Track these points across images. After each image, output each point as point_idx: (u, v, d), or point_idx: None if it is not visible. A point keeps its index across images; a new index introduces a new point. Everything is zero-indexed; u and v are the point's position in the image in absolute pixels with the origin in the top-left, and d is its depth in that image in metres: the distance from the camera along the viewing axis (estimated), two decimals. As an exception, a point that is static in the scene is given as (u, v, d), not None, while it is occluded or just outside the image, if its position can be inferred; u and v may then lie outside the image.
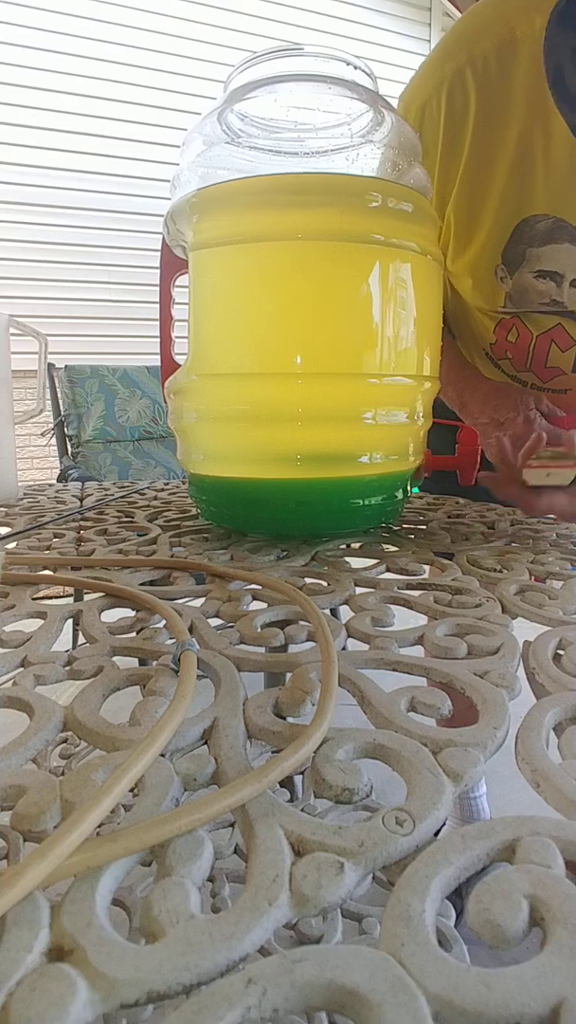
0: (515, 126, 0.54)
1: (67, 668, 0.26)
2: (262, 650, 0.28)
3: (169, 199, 0.47)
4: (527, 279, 0.62)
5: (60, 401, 1.85)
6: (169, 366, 0.52)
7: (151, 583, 0.38)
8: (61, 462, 1.84)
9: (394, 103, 0.49)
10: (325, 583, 0.37)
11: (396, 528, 0.55)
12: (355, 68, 0.46)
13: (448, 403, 0.74)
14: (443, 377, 0.70)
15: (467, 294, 0.69)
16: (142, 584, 0.37)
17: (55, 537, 0.51)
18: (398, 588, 0.37)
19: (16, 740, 0.21)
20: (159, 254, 0.52)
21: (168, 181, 0.48)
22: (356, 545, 0.49)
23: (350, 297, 0.42)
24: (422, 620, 0.33)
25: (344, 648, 0.28)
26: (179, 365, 0.49)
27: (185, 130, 0.48)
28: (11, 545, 0.49)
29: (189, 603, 0.34)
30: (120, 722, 0.22)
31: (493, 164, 0.57)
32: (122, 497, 0.73)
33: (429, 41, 2.91)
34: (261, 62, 0.45)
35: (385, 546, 0.48)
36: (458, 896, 0.18)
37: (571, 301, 0.61)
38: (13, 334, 0.70)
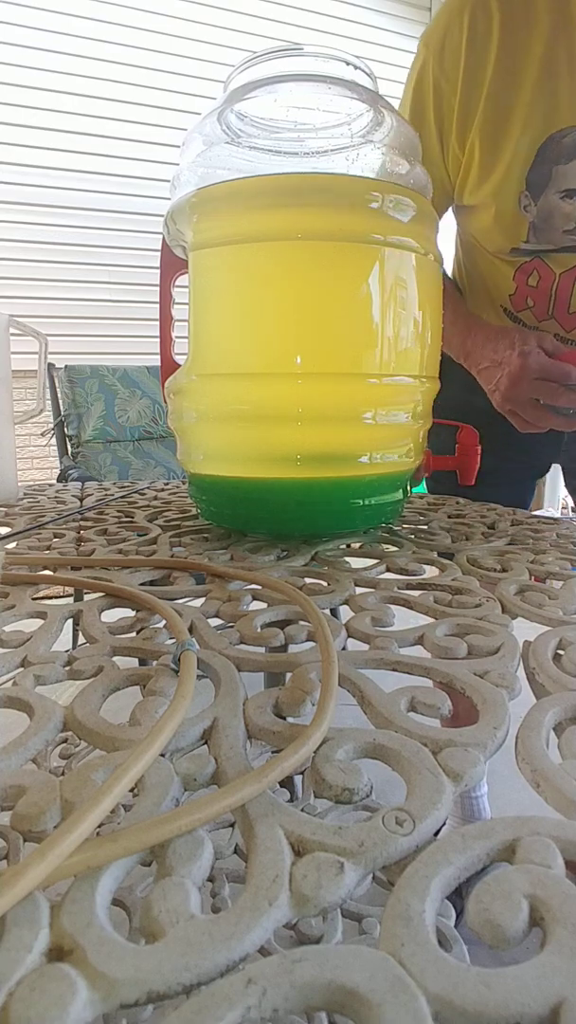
0: (539, 42, 0.54)
1: (67, 668, 0.26)
2: (262, 650, 0.28)
3: (169, 199, 0.47)
4: (552, 201, 0.61)
5: (60, 401, 1.85)
6: (169, 366, 0.52)
7: (151, 583, 0.38)
8: (61, 462, 1.85)
9: (394, 103, 0.49)
10: (325, 583, 0.37)
11: (396, 528, 0.55)
12: (355, 68, 0.46)
13: (453, 354, 0.73)
14: (447, 328, 0.69)
15: (486, 234, 0.68)
16: (142, 584, 0.37)
17: (55, 537, 0.51)
18: (398, 588, 0.37)
19: (16, 740, 0.20)
20: (159, 254, 0.52)
21: (168, 181, 0.48)
22: (356, 545, 0.49)
23: (350, 297, 0.42)
24: (422, 620, 0.33)
25: (344, 648, 0.28)
26: (179, 365, 0.49)
27: (185, 130, 0.48)
28: (11, 545, 0.49)
29: (189, 603, 0.34)
30: (120, 722, 0.22)
31: (518, 82, 0.57)
32: (122, 497, 0.73)
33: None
34: (261, 62, 0.45)
35: (385, 546, 0.48)
36: (458, 896, 0.18)
37: None
38: (13, 334, 0.70)
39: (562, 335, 0.72)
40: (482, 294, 0.76)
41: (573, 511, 3.35)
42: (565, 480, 0.95)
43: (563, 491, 3.29)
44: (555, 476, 1.00)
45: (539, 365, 0.58)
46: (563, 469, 0.94)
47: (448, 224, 0.80)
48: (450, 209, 0.76)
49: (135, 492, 0.77)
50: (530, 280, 0.69)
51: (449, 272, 0.84)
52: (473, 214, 0.68)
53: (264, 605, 0.34)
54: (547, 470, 0.95)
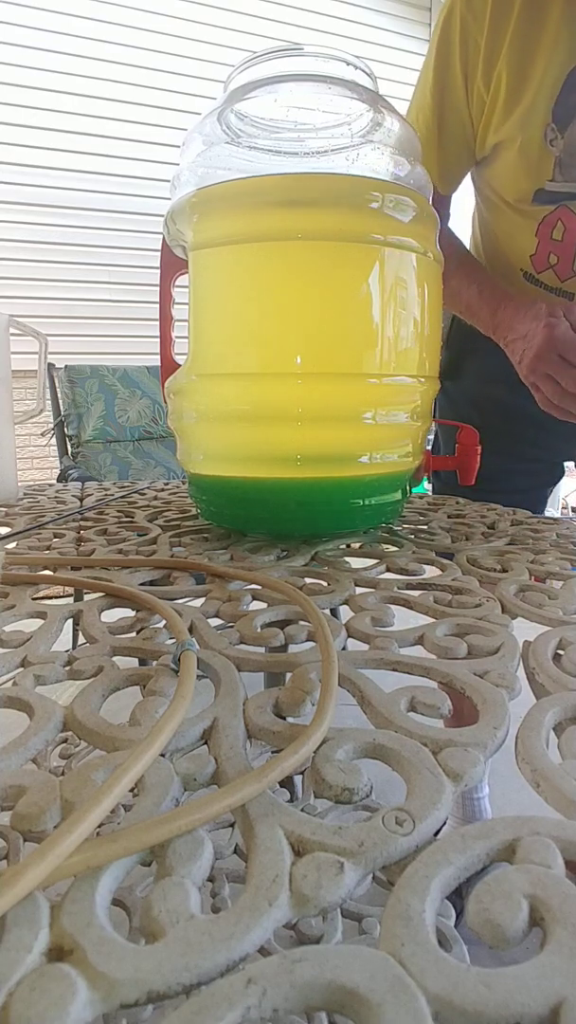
0: None
1: (67, 668, 0.26)
2: (262, 650, 0.28)
3: (169, 199, 0.47)
4: None
5: (60, 401, 1.85)
6: (169, 366, 0.52)
7: (151, 583, 0.38)
8: (61, 462, 1.84)
9: (394, 103, 0.49)
10: (325, 583, 0.37)
11: (396, 528, 0.55)
12: (355, 68, 0.46)
13: (482, 327, 0.72)
14: (474, 302, 0.67)
15: (510, 178, 0.67)
16: (142, 584, 0.37)
17: (55, 537, 0.51)
18: (398, 588, 0.37)
19: (16, 740, 0.21)
20: (159, 254, 0.52)
21: (168, 181, 0.48)
22: (356, 545, 0.49)
23: (350, 297, 0.42)
24: (422, 620, 0.33)
25: (344, 648, 0.28)
26: (179, 365, 0.49)
27: (185, 130, 0.48)
28: (11, 545, 0.49)
29: (189, 603, 0.34)
30: (120, 722, 0.22)
31: (544, 14, 0.58)
32: (122, 497, 0.73)
33: (429, 41, 2.91)
34: (261, 62, 0.45)
35: (385, 546, 0.48)
36: (458, 896, 0.18)
37: None
38: (13, 334, 0.70)
39: (567, 290, 0.71)
40: (501, 261, 0.75)
41: (573, 511, 3.35)
42: None
43: (563, 491, 3.29)
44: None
45: (564, 339, 0.57)
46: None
47: (461, 200, 0.79)
48: (468, 177, 0.76)
49: (135, 492, 0.77)
50: (554, 234, 0.68)
51: (468, 246, 0.84)
52: (497, 158, 0.68)
53: (264, 605, 0.34)
54: (560, 477, 0.94)
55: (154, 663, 0.26)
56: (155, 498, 0.72)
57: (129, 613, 0.32)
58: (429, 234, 0.46)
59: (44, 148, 2.38)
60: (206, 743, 0.21)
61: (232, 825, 0.76)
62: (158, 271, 0.53)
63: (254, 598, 0.35)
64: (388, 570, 0.42)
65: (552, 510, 2.92)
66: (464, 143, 0.70)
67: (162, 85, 2.51)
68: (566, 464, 0.93)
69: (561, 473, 0.94)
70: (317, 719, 0.20)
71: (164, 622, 0.31)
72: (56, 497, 0.74)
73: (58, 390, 1.85)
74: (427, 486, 0.95)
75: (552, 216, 0.67)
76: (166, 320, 0.54)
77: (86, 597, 0.40)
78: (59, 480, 1.64)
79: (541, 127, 0.62)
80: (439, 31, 0.68)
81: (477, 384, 0.85)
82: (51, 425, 1.85)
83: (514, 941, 0.13)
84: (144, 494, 0.76)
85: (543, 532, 0.53)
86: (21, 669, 0.26)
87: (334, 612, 0.36)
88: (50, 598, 0.34)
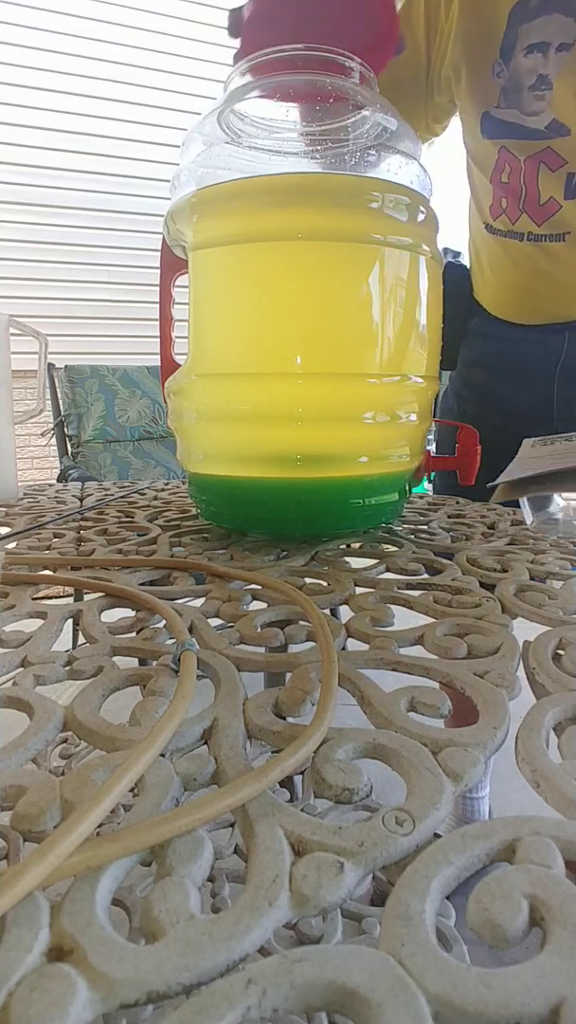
0: None
1: (67, 668, 0.26)
2: (262, 650, 0.28)
3: (169, 199, 0.47)
4: (519, 61, 0.67)
5: (60, 401, 1.85)
6: (169, 366, 0.52)
7: (151, 583, 0.38)
8: (61, 462, 1.85)
9: (394, 103, 0.49)
10: (325, 583, 0.37)
11: (396, 528, 0.55)
12: (355, 68, 0.45)
13: None
14: None
15: (464, 107, 0.74)
16: (142, 584, 0.37)
17: (55, 537, 0.51)
18: (398, 588, 0.37)
19: (16, 740, 0.20)
20: (159, 254, 0.52)
21: (168, 181, 0.48)
22: (356, 545, 0.49)
23: (350, 297, 0.42)
24: (422, 620, 0.32)
25: (344, 648, 0.28)
26: (179, 365, 0.49)
27: (185, 130, 0.48)
28: (11, 545, 0.49)
29: (189, 603, 0.34)
30: (120, 722, 0.22)
31: None
32: (122, 497, 0.73)
33: None
34: (261, 62, 0.45)
35: (385, 546, 0.48)
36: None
37: (555, 68, 0.66)
38: (13, 334, 0.70)
39: (535, 232, 0.75)
40: (476, 224, 0.81)
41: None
42: None
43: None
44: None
45: None
46: None
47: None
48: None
49: (135, 492, 0.77)
50: (503, 177, 0.74)
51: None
52: (459, 89, 0.74)
53: (264, 605, 0.34)
54: None
55: (154, 663, 0.26)
56: (155, 498, 0.72)
57: (129, 613, 0.32)
58: (429, 234, 0.46)
59: (44, 148, 2.38)
60: (206, 743, 0.21)
61: (232, 825, 0.76)
62: (158, 271, 0.53)
63: (254, 598, 0.35)
64: (388, 570, 0.42)
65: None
66: (417, 67, 0.75)
67: (162, 85, 2.51)
68: None
69: None
70: (317, 719, 0.20)
71: (164, 622, 0.31)
72: (56, 497, 0.74)
73: (58, 390, 1.85)
74: (427, 486, 0.95)
75: (500, 161, 0.73)
76: (166, 320, 0.54)
77: (86, 597, 0.40)
78: (59, 480, 1.64)
79: (490, 62, 0.68)
80: None
81: (462, 368, 0.87)
82: (51, 425, 1.85)
83: (514, 941, 0.13)
84: (144, 494, 0.76)
85: (543, 532, 0.53)
86: (21, 669, 0.26)
87: (334, 612, 0.36)
88: (50, 598, 0.34)
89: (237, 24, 0.50)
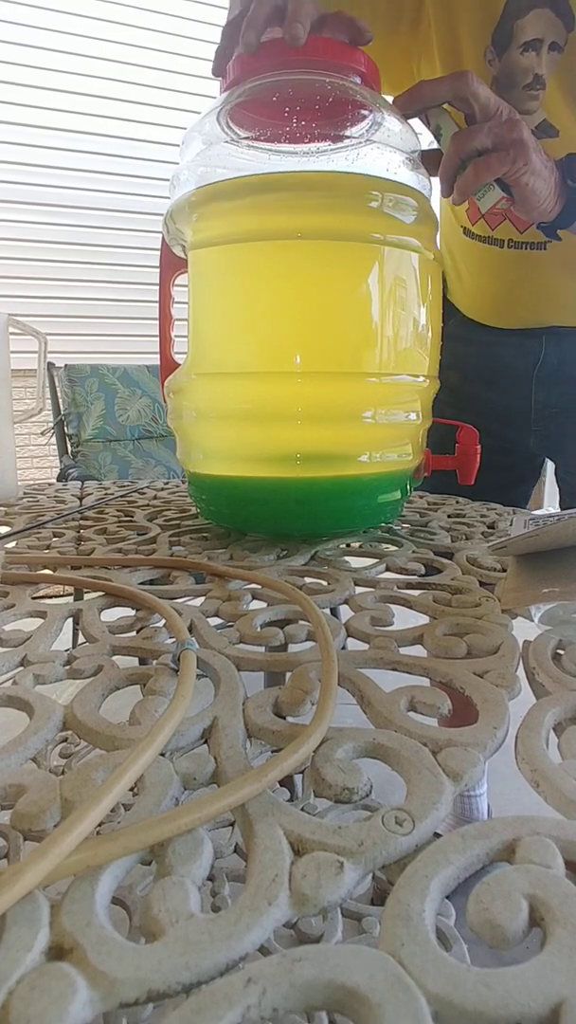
0: None
1: (67, 667, 0.26)
2: (262, 649, 0.28)
3: (169, 198, 0.47)
4: (514, 57, 0.65)
5: (60, 400, 1.85)
6: (169, 365, 0.52)
7: (151, 582, 0.38)
8: (61, 461, 1.84)
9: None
10: (325, 583, 0.37)
11: (396, 528, 0.55)
12: (355, 67, 0.45)
13: None
14: None
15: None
16: (142, 583, 0.37)
17: (55, 536, 0.51)
18: (398, 587, 0.37)
19: (16, 739, 0.20)
20: (159, 253, 0.52)
21: (168, 180, 0.48)
22: (356, 545, 0.49)
23: (350, 296, 0.42)
24: (422, 619, 0.32)
25: (344, 647, 0.28)
26: (179, 364, 0.49)
27: (185, 130, 0.48)
28: (11, 544, 0.49)
29: (189, 602, 0.34)
30: (120, 721, 0.22)
31: None
32: (122, 496, 0.73)
33: None
34: (261, 60, 0.45)
35: (385, 546, 0.48)
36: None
37: (548, 68, 0.64)
38: (13, 333, 0.70)
39: (517, 239, 0.73)
40: (451, 223, 0.80)
41: None
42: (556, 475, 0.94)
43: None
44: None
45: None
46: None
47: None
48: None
49: (135, 491, 0.77)
50: None
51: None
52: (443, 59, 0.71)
53: (264, 604, 0.34)
54: (537, 472, 0.94)
55: (154, 662, 0.26)
56: (155, 497, 0.72)
57: (129, 612, 0.32)
58: (429, 233, 0.46)
59: (44, 148, 2.38)
60: (206, 742, 0.21)
61: (232, 824, 0.76)
62: (158, 270, 0.53)
63: (254, 597, 0.35)
64: (388, 570, 0.42)
65: (552, 508, 2.91)
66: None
67: (162, 85, 2.51)
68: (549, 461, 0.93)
69: (536, 468, 0.93)
70: (317, 719, 0.20)
71: (164, 621, 0.31)
72: (56, 496, 0.74)
73: (58, 389, 1.85)
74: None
75: None
76: (166, 319, 0.54)
77: (86, 596, 0.40)
78: (59, 479, 1.64)
79: (483, 47, 0.66)
80: None
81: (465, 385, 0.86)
82: (51, 424, 1.85)
83: (514, 941, 0.13)
84: (144, 493, 0.76)
85: (543, 532, 0.53)
86: (21, 668, 0.26)
87: (334, 612, 0.36)
88: (50, 597, 0.34)
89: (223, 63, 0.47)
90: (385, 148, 0.46)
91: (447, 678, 0.25)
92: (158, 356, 0.54)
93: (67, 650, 0.28)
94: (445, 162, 0.49)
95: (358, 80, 0.46)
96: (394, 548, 0.47)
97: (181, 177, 0.46)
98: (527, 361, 0.80)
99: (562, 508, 0.88)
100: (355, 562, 0.42)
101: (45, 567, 0.41)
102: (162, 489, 0.80)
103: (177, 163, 0.48)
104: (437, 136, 0.50)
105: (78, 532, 0.53)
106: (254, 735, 0.21)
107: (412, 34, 0.71)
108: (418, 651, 0.28)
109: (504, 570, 0.41)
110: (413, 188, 0.44)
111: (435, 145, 0.51)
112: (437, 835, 0.16)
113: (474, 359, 0.83)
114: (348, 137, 0.47)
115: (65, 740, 0.94)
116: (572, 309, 0.76)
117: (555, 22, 0.63)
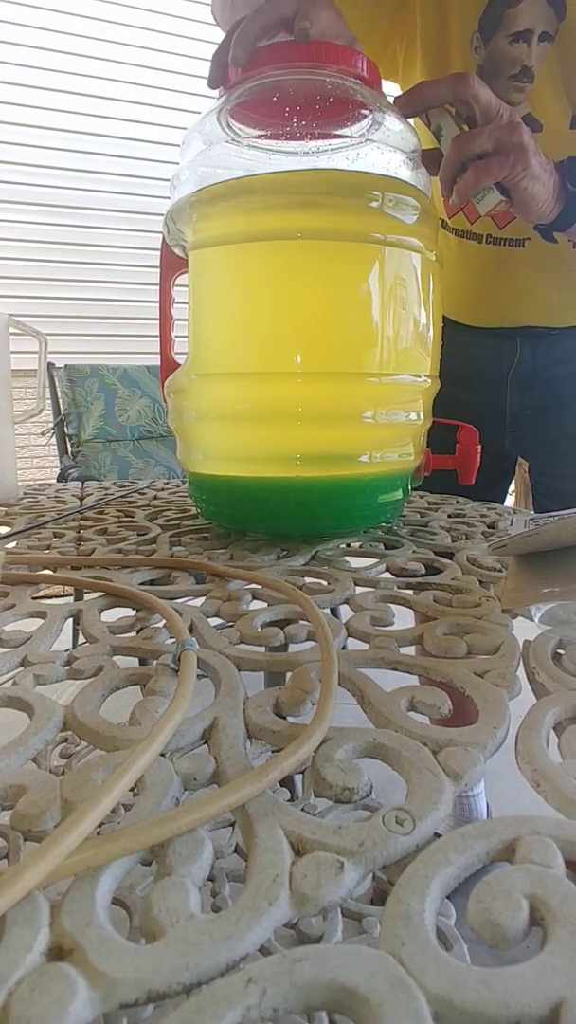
0: None
1: (67, 668, 0.26)
2: (262, 650, 0.28)
3: (169, 199, 0.47)
4: (502, 45, 0.64)
5: (60, 400, 1.85)
6: (169, 365, 0.52)
7: (151, 582, 0.38)
8: (61, 461, 1.84)
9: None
10: (325, 582, 0.37)
11: (396, 528, 0.55)
12: (355, 67, 0.45)
13: None
14: None
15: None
16: (142, 584, 0.37)
17: (55, 536, 0.51)
18: (398, 587, 0.37)
19: (16, 740, 0.20)
20: (159, 254, 0.52)
21: (168, 181, 0.48)
22: (356, 545, 0.49)
23: (350, 296, 0.42)
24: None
25: (344, 647, 0.28)
26: (179, 364, 0.49)
27: (185, 130, 0.48)
28: (11, 545, 0.49)
29: (189, 603, 0.34)
30: (120, 722, 0.22)
31: None
32: (122, 496, 0.73)
33: None
34: (261, 58, 0.45)
35: (385, 546, 0.48)
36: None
37: (538, 60, 0.63)
38: (13, 333, 0.70)
39: (496, 235, 0.72)
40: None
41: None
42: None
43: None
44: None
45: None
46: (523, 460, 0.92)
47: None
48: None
49: (135, 491, 0.77)
50: None
51: None
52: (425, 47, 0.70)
53: (264, 604, 0.34)
54: (512, 473, 0.93)
55: (154, 663, 0.26)
56: (155, 497, 0.72)
57: (129, 613, 0.32)
58: (429, 233, 0.46)
59: (44, 148, 2.38)
60: (206, 742, 0.21)
61: (232, 825, 0.76)
62: (158, 271, 0.53)
63: (254, 597, 0.35)
64: (388, 570, 0.42)
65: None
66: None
67: (162, 85, 2.51)
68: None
69: (511, 468, 0.93)
70: (317, 719, 0.20)
71: (164, 622, 0.31)
72: (56, 496, 0.74)
73: (58, 389, 1.85)
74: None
75: None
76: (166, 319, 0.54)
77: (86, 596, 0.40)
78: (59, 479, 1.64)
79: (469, 32, 0.65)
80: None
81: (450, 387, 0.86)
82: (51, 425, 1.85)
83: (514, 941, 0.13)
84: (144, 493, 0.76)
85: (543, 532, 0.53)
86: (21, 668, 0.26)
87: (334, 612, 0.36)
88: (50, 597, 0.34)
89: (220, 73, 0.46)
90: (385, 147, 0.46)
91: (447, 678, 0.25)
92: (158, 356, 0.54)
93: (67, 650, 0.28)
94: (445, 165, 0.49)
95: (358, 80, 0.46)
96: (394, 548, 0.47)
97: (181, 177, 0.46)
98: (502, 363, 0.80)
99: (535, 509, 0.88)
100: (355, 562, 0.42)
101: (45, 567, 0.41)
102: (162, 489, 0.80)
103: (177, 163, 0.48)
104: (438, 137, 0.50)
105: (78, 532, 0.53)
106: (254, 735, 0.21)
107: (397, 14, 0.70)
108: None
109: (504, 570, 0.41)
110: (414, 187, 0.44)
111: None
112: (437, 835, 0.16)
113: (450, 360, 0.82)
114: (348, 136, 0.47)
115: (65, 740, 0.94)
116: (547, 309, 0.76)
117: (547, 11, 0.62)
